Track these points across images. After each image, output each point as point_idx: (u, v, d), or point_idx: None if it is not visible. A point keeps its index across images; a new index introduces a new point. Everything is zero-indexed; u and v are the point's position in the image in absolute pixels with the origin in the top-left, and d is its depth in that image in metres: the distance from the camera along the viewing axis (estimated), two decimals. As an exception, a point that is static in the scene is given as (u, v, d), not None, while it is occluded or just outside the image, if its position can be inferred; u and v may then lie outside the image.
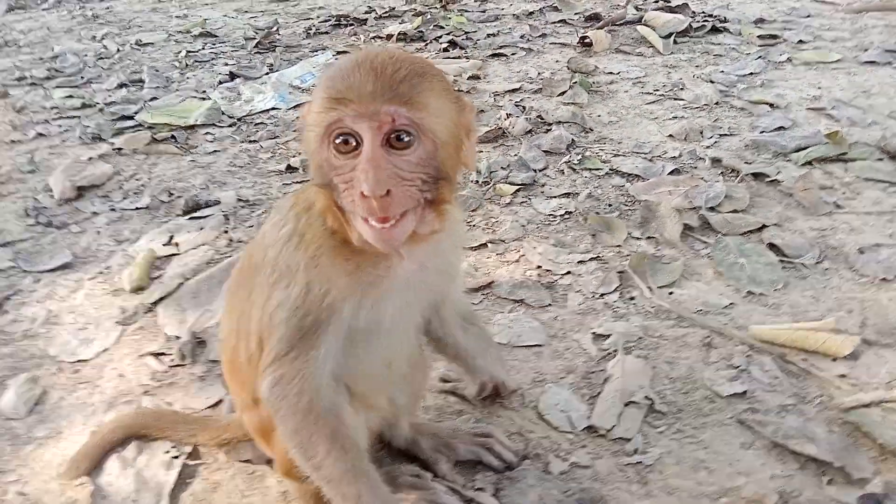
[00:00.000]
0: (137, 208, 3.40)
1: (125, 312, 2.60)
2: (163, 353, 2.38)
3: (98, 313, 2.63)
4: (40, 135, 4.44)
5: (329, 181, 1.26)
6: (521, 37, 5.61)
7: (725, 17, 5.75)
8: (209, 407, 2.14)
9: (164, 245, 3.02)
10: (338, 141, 1.21)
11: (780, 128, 3.71)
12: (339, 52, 5.62)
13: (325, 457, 1.43)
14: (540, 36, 5.62)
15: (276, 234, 1.43)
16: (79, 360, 2.40)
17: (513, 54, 5.24)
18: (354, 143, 1.21)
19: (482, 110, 4.15)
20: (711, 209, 2.95)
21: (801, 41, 5.12)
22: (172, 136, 4.16)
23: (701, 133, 3.70)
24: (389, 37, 5.84)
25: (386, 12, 6.90)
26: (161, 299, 2.64)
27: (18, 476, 1.95)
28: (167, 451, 1.96)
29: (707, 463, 1.85)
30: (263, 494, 1.83)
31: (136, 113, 4.58)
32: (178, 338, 2.42)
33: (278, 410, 1.45)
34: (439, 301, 1.71)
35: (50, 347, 2.47)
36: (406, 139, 1.21)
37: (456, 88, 1.38)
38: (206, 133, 4.27)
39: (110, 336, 2.49)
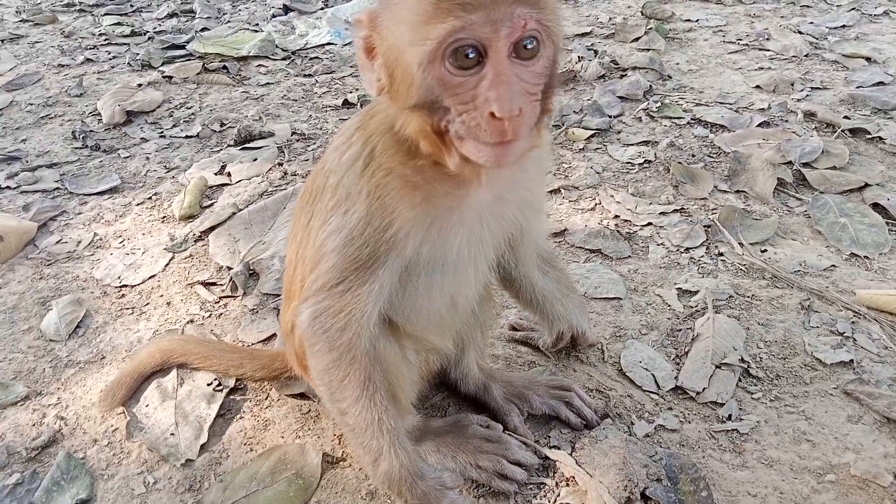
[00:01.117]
0: (188, 136, 3.25)
1: (174, 240, 2.47)
2: (213, 283, 2.24)
3: (146, 239, 2.50)
4: (88, 60, 4.32)
5: (435, 103, 1.05)
6: (591, -20, 5.27)
7: (812, -32, 5.33)
8: (261, 341, 2.00)
9: (215, 174, 2.87)
10: (457, 55, 1.00)
11: (880, 83, 3.38)
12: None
13: (353, 403, 1.31)
14: (611, -21, 5.28)
15: (339, 158, 1.27)
16: (124, 285, 2.27)
17: (581, -2, 4.93)
18: (477, 57, 1.00)
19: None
20: (806, 165, 2.69)
21: (898, -5, 4.71)
22: (224, 67, 3.99)
23: (791, 85, 3.39)
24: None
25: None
26: (212, 228, 2.49)
27: (59, 399, 1.84)
28: (209, 384, 1.83)
29: (809, 435, 1.64)
30: (317, 436, 1.68)
31: (186, 42, 4.42)
32: (229, 268, 2.28)
33: (314, 344, 1.32)
34: (517, 237, 1.51)
35: (95, 271, 2.35)
36: (531, 46, 1.02)
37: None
38: (259, 65, 4.09)
39: (158, 263, 2.36)
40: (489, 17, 0.97)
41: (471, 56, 1.00)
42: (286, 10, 4.97)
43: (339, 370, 1.31)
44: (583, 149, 2.93)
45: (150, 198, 2.77)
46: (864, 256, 2.22)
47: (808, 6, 4.61)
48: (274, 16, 4.87)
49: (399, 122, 1.15)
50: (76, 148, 3.20)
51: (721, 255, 2.26)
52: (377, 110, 1.26)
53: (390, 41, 1.07)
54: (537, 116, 1.08)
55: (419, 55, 1.01)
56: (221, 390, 1.81)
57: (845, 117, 3.05)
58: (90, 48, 4.51)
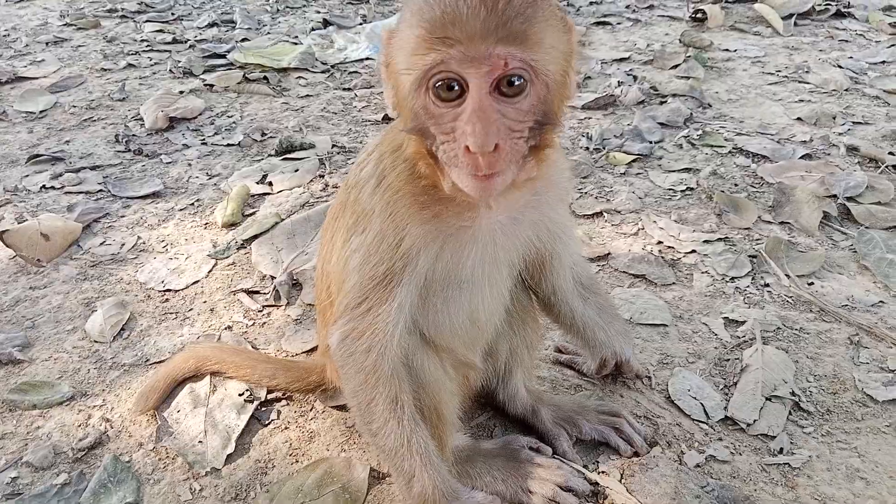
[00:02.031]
0: (229, 144, 3.28)
1: (217, 246, 2.48)
2: (256, 292, 2.25)
3: (189, 245, 2.52)
4: (130, 65, 4.39)
5: (424, 128, 1.08)
6: (627, 6, 5.32)
7: (849, 3, 5.33)
8: (305, 352, 2.00)
9: (256, 183, 2.89)
10: (438, 87, 1.02)
11: (922, 120, 3.36)
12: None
13: (383, 425, 1.31)
14: (647, 7, 5.31)
15: (358, 174, 1.31)
16: (168, 290, 2.29)
17: (618, 24, 4.96)
18: (459, 90, 1.01)
19: (588, 77, 3.90)
20: (851, 199, 2.67)
21: (937, 33, 4.70)
22: (265, 78, 4.04)
23: (833, 119, 3.38)
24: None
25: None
26: (255, 237, 2.51)
27: (104, 401, 1.85)
28: (241, 394, 1.81)
29: (863, 472, 1.61)
30: (363, 450, 1.67)
31: (227, 52, 4.49)
32: (272, 277, 2.29)
33: (344, 366, 1.33)
34: (547, 260, 1.52)
35: (139, 274, 2.37)
36: (518, 83, 1.01)
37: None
38: (299, 77, 4.13)
39: (202, 269, 2.37)
40: (467, 55, 0.97)
41: (453, 88, 1.01)
42: (325, 23, 5.04)
43: (366, 393, 1.31)
44: (624, 173, 2.93)
45: (192, 204, 2.79)
46: (912, 294, 2.19)
47: (846, 41, 4.61)
48: (313, 29, 4.93)
49: (404, 142, 1.19)
50: (119, 151, 3.24)
51: (767, 286, 2.24)
52: (393, 128, 1.29)
53: (395, 63, 1.09)
54: (523, 152, 1.07)
55: (408, 83, 1.04)
56: (252, 401, 1.80)
57: (889, 153, 3.02)
58: (132, 54, 4.58)
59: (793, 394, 1.80)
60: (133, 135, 3.38)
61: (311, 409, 1.80)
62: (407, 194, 1.21)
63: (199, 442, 1.69)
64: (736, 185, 2.82)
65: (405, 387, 1.33)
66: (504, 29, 0.97)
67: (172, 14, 5.47)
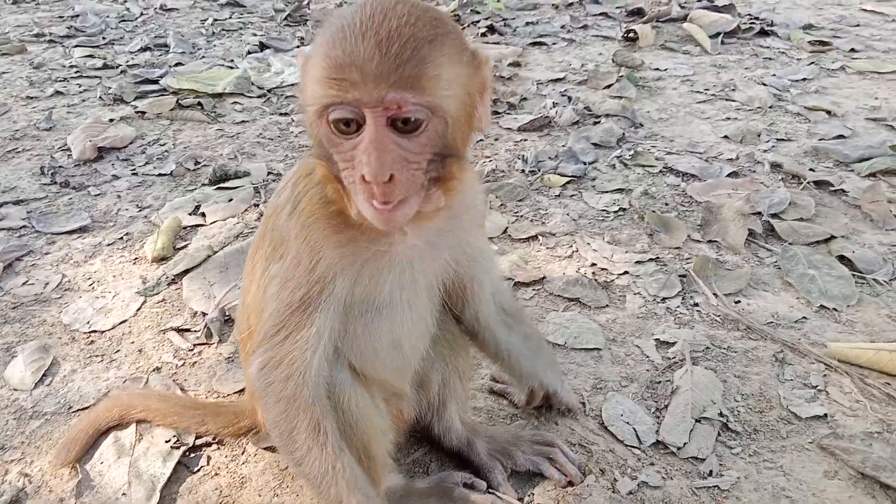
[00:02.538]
0: (161, 174, 3.21)
1: (146, 283, 2.42)
2: (187, 330, 2.19)
3: (117, 282, 2.44)
4: (58, 93, 4.26)
5: (329, 155, 1.10)
6: (562, 27, 5.42)
7: (772, 21, 5.56)
8: (237, 392, 1.95)
9: (189, 214, 2.83)
10: (336, 122, 1.05)
11: (840, 136, 3.51)
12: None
13: (306, 453, 1.29)
14: (581, 27, 5.43)
15: (276, 202, 1.32)
16: (94, 331, 2.21)
17: (554, 44, 5.05)
18: (356, 126, 1.04)
19: (525, 98, 3.96)
20: (774, 215, 2.76)
21: (853, 49, 4.93)
22: (199, 104, 3.97)
23: (758, 136, 3.50)
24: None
25: (419, -6, 6.70)
26: (186, 271, 2.45)
27: (23, 454, 1.77)
28: (168, 441, 1.76)
29: (788, 491, 1.66)
30: (297, 494, 1.64)
31: (160, 77, 4.39)
32: (203, 314, 2.23)
33: (264, 397, 1.31)
34: (468, 286, 1.52)
35: (63, 315, 2.28)
36: (413, 121, 1.03)
37: (469, 40, 1.16)
38: (234, 102, 4.08)
39: (130, 307, 2.30)
40: (361, 98, 1.00)
41: (349, 125, 1.04)
42: (262, 46, 4.98)
43: (287, 422, 1.29)
44: (559, 195, 2.97)
45: (121, 238, 2.71)
46: (833, 308, 2.27)
47: (770, 58, 4.79)
48: (250, 52, 4.87)
49: (316, 167, 1.20)
50: (44, 184, 3.13)
51: (696, 305, 2.30)
52: (307, 153, 1.31)
53: (304, 89, 1.12)
54: (423, 183, 1.09)
55: (311, 112, 1.08)
56: (179, 447, 1.74)
57: (810, 169, 3.15)
58: (60, 80, 4.44)
59: (721, 414, 1.84)
60: (60, 166, 3.28)
61: (242, 453, 1.76)
62: (321, 217, 1.22)
63: (123, 494, 1.63)
64: (667, 204, 2.89)
65: (327, 413, 1.31)
66: (397, 73, 0.99)
67: (103, 38, 5.33)
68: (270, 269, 1.30)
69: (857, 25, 5.61)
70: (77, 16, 5.97)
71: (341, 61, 1.00)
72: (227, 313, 2.22)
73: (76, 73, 4.59)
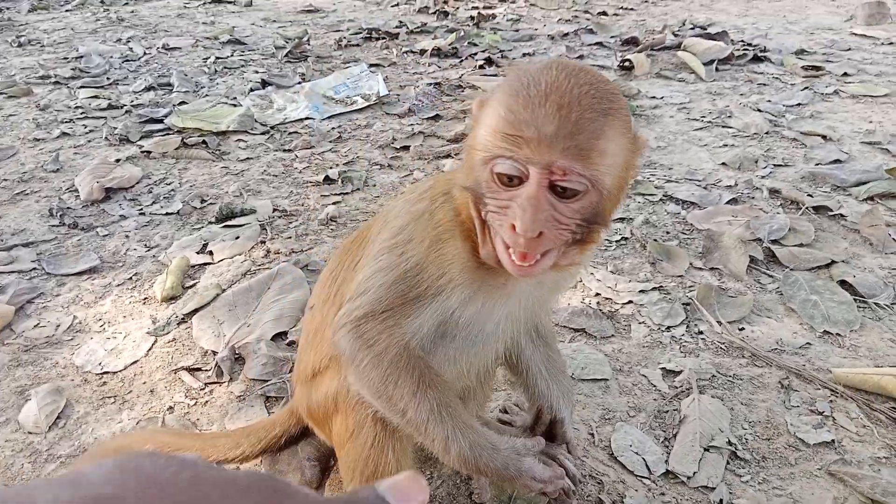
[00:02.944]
0: (168, 213, 3.25)
1: (156, 323, 2.44)
2: (198, 369, 2.22)
3: (127, 322, 2.47)
4: (65, 134, 4.32)
5: (481, 194, 1.16)
6: (559, 57, 5.50)
7: (765, 47, 5.65)
8: (249, 430, 1.97)
9: (197, 253, 2.87)
10: (500, 174, 1.11)
11: (837, 161, 3.56)
12: (372, 65, 5.52)
13: (410, 401, 1.32)
14: (577, 57, 5.51)
15: (408, 208, 1.38)
16: (106, 372, 2.23)
17: (551, 74, 5.12)
18: (518, 181, 1.10)
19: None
20: (775, 242, 2.80)
21: (845, 73, 5.01)
22: (203, 142, 4.03)
23: (755, 162, 3.56)
24: (423, 52, 5.74)
25: (417, 27, 6.82)
26: (195, 311, 2.48)
27: (39, 497, 1.78)
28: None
29: (799, 519, 1.67)
30: None
31: (164, 116, 4.46)
32: (214, 353, 2.26)
33: (362, 360, 1.33)
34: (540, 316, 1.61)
35: (75, 357, 2.31)
36: (570, 188, 1.09)
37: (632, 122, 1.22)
38: (238, 140, 4.14)
39: (141, 347, 2.33)
40: (532, 158, 1.06)
41: (513, 180, 1.10)
42: (264, 84, 5.06)
43: (392, 376, 1.32)
44: (561, 226, 3.01)
45: (130, 278, 2.75)
46: (837, 334, 2.30)
47: (764, 84, 4.87)
48: (252, 90, 4.95)
49: (454, 189, 1.28)
50: (53, 226, 3.18)
51: (701, 333, 2.32)
52: (451, 176, 1.37)
53: (475, 131, 1.19)
54: (566, 243, 1.15)
55: (478, 157, 1.14)
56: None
57: (809, 195, 3.19)
58: (66, 122, 4.51)
59: (729, 443, 1.86)
60: (68, 207, 3.32)
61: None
62: (457, 235, 1.28)
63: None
64: (668, 232, 2.93)
65: (426, 368, 1.35)
66: (571, 141, 1.04)
67: (108, 79, 5.42)
68: (381, 259, 1.34)
69: (849, 49, 5.70)
70: (81, 57, 6.07)
71: (520, 118, 1.06)
72: (237, 352, 2.25)
73: (82, 113, 4.66)
